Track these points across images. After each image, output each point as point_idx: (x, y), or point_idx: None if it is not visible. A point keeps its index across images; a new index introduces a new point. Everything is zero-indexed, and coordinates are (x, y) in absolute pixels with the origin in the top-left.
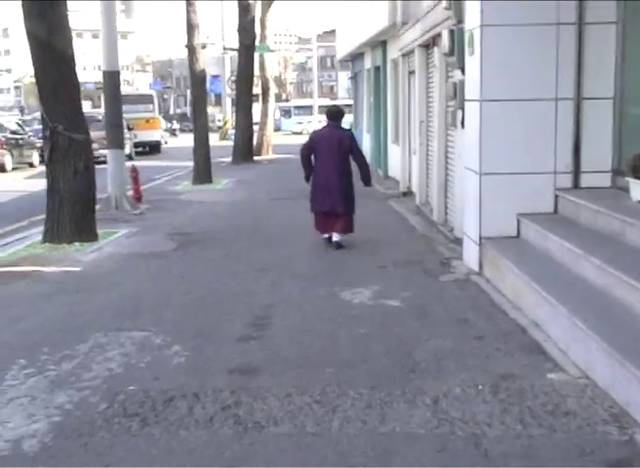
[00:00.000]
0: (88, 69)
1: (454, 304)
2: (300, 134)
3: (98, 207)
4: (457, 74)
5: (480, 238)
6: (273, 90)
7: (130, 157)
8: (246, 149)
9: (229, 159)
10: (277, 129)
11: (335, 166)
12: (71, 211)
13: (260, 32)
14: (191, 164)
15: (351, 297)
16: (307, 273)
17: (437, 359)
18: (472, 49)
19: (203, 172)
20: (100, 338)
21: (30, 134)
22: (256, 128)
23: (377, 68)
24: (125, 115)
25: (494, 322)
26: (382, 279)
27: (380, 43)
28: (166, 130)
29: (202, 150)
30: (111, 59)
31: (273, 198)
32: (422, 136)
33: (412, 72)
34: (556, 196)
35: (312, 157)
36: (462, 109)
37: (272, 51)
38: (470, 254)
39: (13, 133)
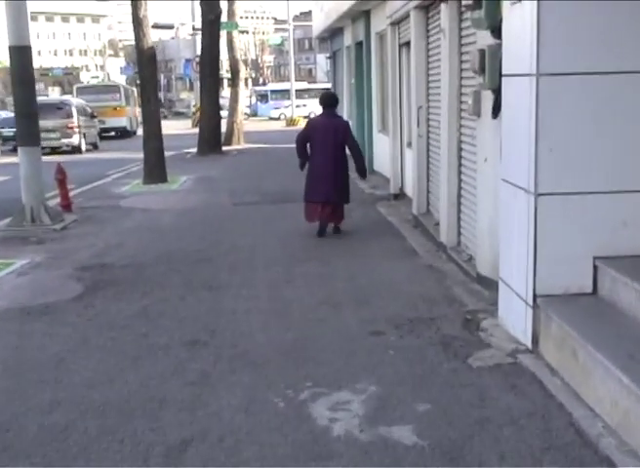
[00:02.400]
0: (59, 54)
1: (512, 437)
2: (278, 119)
3: (8, 221)
4: (483, 37)
5: (534, 295)
6: (244, 72)
7: (94, 146)
8: (213, 139)
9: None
10: (254, 114)
11: (330, 155)
12: None
13: (228, 8)
14: None
15: (329, 420)
16: (261, 352)
17: None
18: None
19: (155, 169)
20: None
21: None
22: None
23: (358, 44)
24: (93, 104)
25: None
26: (379, 365)
27: (362, 14)
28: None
29: (153, 143)
30: (19, 31)
31: (237, 202)
32: (422, 126)
33: (404, 44)
34: None
35: (308, 145)
36: (497, 90)
37: (242, 30)
38: (516, 318)
39: None
